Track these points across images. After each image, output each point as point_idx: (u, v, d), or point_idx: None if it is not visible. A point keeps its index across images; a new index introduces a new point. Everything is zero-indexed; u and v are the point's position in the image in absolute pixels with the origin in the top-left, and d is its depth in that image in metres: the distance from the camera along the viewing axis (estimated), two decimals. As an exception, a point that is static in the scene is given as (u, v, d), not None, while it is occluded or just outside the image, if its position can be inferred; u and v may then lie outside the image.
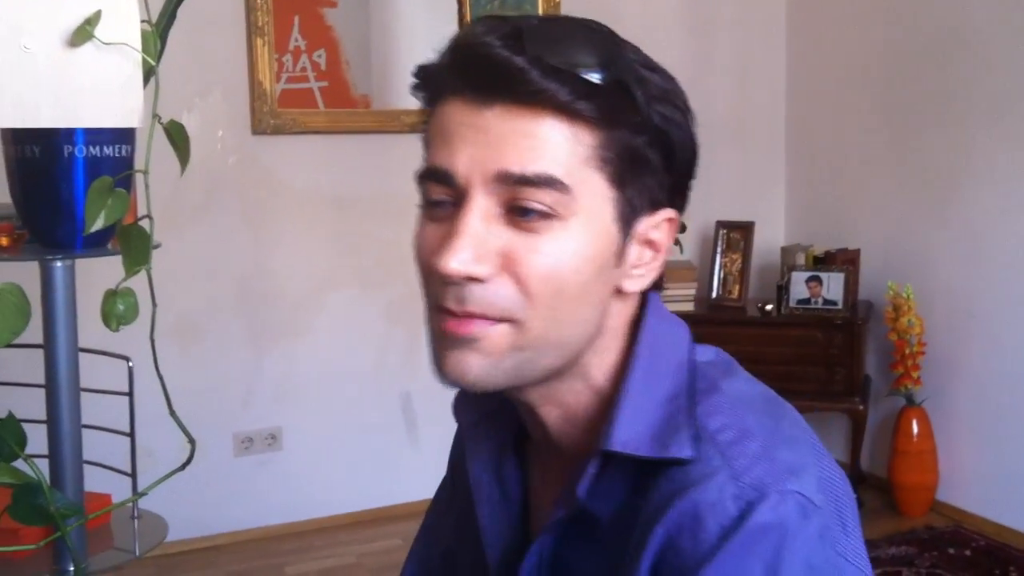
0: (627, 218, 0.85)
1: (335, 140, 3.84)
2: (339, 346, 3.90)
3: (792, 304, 4.00)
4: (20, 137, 1.63)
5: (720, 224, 4.30)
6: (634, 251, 0.88)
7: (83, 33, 1.09)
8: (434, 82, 0.86)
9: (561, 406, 0.91)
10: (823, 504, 0.80)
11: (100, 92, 1.12)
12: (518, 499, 0.98)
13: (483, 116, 0.81)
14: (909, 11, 3.97)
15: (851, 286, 3.96)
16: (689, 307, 4.12)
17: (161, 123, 1.21)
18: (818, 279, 3.99)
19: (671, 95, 0.87)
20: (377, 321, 3.91)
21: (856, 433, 3.96)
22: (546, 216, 0.81)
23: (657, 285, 0.93)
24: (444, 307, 0.83)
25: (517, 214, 0.81)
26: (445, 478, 1.17)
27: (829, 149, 4.43)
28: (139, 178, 1.23)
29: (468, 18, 4.05)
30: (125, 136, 1.65)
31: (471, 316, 0.82)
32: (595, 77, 0.81)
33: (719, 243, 4.28)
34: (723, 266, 4.27)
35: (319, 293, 3.87)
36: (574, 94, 0.80)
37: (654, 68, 0.87)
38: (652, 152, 0.85)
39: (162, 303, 1.28)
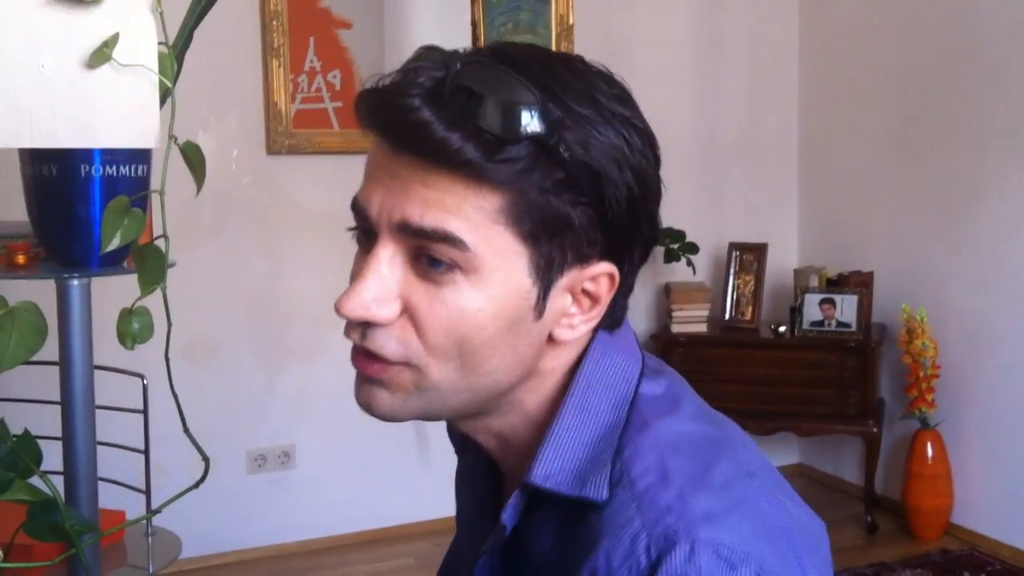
0: (544, 273, 0.81)
1: (349, 160, 3.86)
2: (351, 365, 3.89)
3: (805, 326, 4.00)
4: (37, 157, 1.65)
5: (733, 246, 4.30)
6: (562, 301, 0.84)
7: (101, 55, 1.10)
8: (362, 117, 0.83)
9: (497, 436, 0.90)
10: (761, 551, 0.75)
11: (117, 113, 1.13)
12: (489, 517, 0.97)
13: (395, 162, 0.79)
14: (922, 33, 3.97)
15: (865, 308, 3.95)
16: (702, 328, 4.12)
17: (177, 144, 1.22)
18: (831, 301, 3.98)
19: (611, 148, 0.79)
20: (390, 340, 3.91)
21: (870, 456, 3.95)
22: (452, 268, 0.79)
23: (612, 326, 0.89)
24: (351, 337, 0.85)
25: (425, 262, 0.80)
26: None
27: (842, 171, 4.43)
28: (155, 197, 1.24)
29: (482, 40, 4.08)
30: (141, 156, 1.67)
31: (369, 354, 0.84)
32: (508, 133, 0.75)
33: (732, 265, 4.28)
34: (736, 288, 4.27)
35: (331, 312, 3.85)
36: (479, 152, 0.75)
37: (607, 118, 0.80)
38: (575, 209, 0.79)
39: (176, 322, 1.29)
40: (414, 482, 4.01)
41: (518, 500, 0.84)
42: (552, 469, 0.82)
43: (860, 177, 4.33)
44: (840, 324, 3.95)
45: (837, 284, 4.08)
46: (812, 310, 4.00)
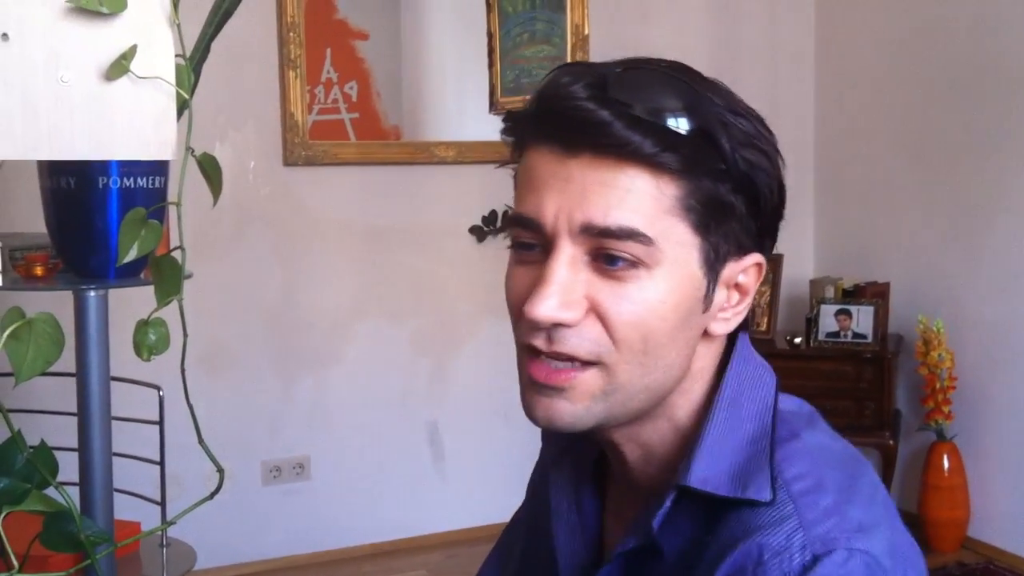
0: (712, 264, 0.86)
1: (366, 171, 3.87)
2: (367, 376, 3.91)
3: (821, 337, 3.98)
4: (56, 169, 1.66)
5: (749, 256, 4.29)
6: (721, 295, 0.88)
7: (119, 67, 1.11)
8: (522, 129, 0.88)
9: (644, 446, 0.92)
10: (891, 569, 0.79)
11: (135, 125, 1.13)
12: (593, 528, 1.00)
13: (568, 166, 0.83)
14: (938, 43, 3.96)
15: (881, 319, 3.94)
16: (717, 339, 4.10)
17: (194, 155, 1.22)
18: (847, 312, 3.97)
19: (757, 140, 0.87)
20: (405, 351, 3.92)
21: (886, 468, 3.92)
22: (632, 264, 0.83)
23: (744, 326, 0.93)
24: (532, 345, 0.86)
25: (604, 261, 0.83)
26: (523, 502, 1.18)
27: (858, 181, 4.41)
28: (172, 209, 1.24)
29: (498, 51, 4.09)
30: (159, 168, 1.68)
31: (559, 356, 0.85)
32: (679, 127, 0.82)
33: (748, 275, 4.26)
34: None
35: (348, 323, 3.89)
36: (658, 146, 0.81)
37: (740, 112, 0.87)
38: (737, 199, 0.85)
39: (193, 333, 1.29)
40: (429, 494, 4.01)
41: (671, 503, 0.86)
42: (709, 473, 0.85)
43: (876, 187, 4.32)
44: (856, 335, 3.94)
45: (853, 295, 4.06)
46: (828, 321, 3.99)
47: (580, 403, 0.86)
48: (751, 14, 4.47)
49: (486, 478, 3.98)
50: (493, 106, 4.15)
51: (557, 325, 0.84)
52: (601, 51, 4.04)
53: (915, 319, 3.89)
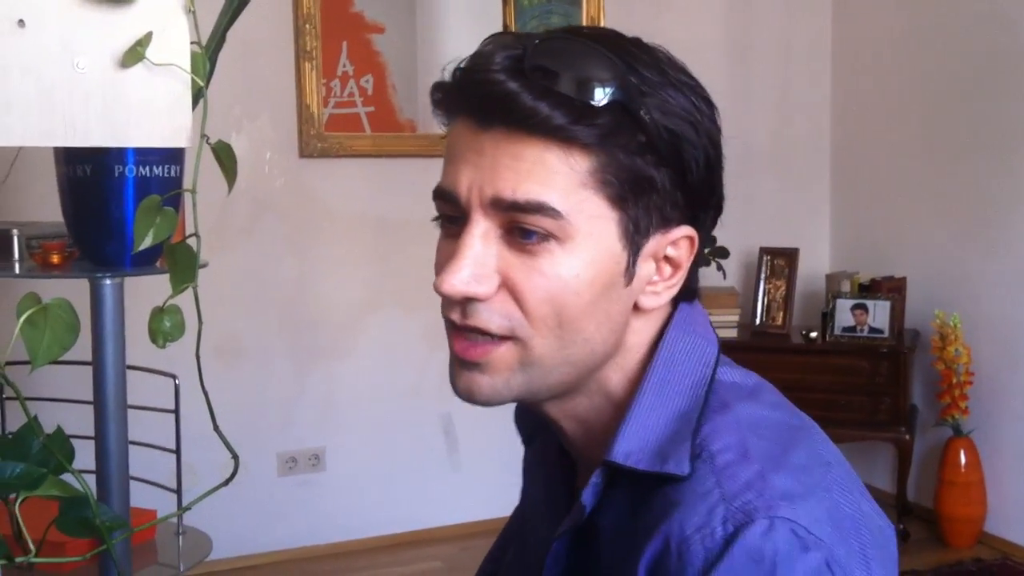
0: (633, 237, 0.84)
1: (381, 164, 3.88)
2: (382, 367, 3.92)
3: (837, 332, 3.97)
4: (72, 157, 1.66)
5: (764, 250, 4.28)
6: (647, 268, 0.86)
7: (134, 54, 1.11)
8: (444, 101, 0.87)
9: (583, 422, 0.91)
10: (831, 539, 0.76)
11: (150, 112, 1.14)
12: (565, 504, 0.98)
13: (481, 140, 0.82)
14: (954, 37, 3.94)
15: (897, 314, 3.92)
16: (732, 333, 4.10)
17: (209, 143, 1.22)
18: (864, 307, 3.95)
19: (684, 111, 0.83)
20: (419, 343, 3.92)
21: (902, 463, 3.91)
22: (545, 238, 0.81)
23: (688, 296, 0.91)
24: (449, 318, 0.86)
25: (518, 235, 0.82)
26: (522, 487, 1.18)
27: (875, 175, 4.40)
28: (187, 198, 1.25)
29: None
30: (174, 156, 1.69)
31: (474, 330, 0.84)
32: (593, 99, 0.79)
33: (763, 270, 4.26)
34: (767, 293, 4.25)
35: (362, 315, 3.89)
36: (568, 118, 0.79)
37: (672, 83, 0.84)
38: (659, 171, 0.83)
39: (208, 323, 1.30)
40: (443, 486, 4.01)
41: (599, 480, 0.85)
42: (632, 447, 0.83)
43: (892, 182, 4.30)
44: (872, 330, 3.92)
45: (869, 289, 4.05)
46: (844, 316, 3.97)
47: (498, 376, 0.85)
48: (768, 7, 4.45)
49: (500, 470, 3.96)
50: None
51: (470, 299, 0.83)
52: (617, 44, 4.03)
53: (931, 314, 3.88)
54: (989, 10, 3.80)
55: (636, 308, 0.88)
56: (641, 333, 0.89)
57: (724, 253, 4.11)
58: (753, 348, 4.03)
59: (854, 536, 0.79)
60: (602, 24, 4.06)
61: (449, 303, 0.85)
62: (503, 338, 0.84)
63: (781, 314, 4.20)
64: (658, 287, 0.88)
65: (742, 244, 4.36)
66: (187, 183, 1.33)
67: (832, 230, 4.62)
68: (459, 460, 4.05)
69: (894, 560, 0.85)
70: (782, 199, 4.53)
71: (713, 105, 0.87)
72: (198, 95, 1.21)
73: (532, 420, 1.03)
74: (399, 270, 3.89)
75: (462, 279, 0.83)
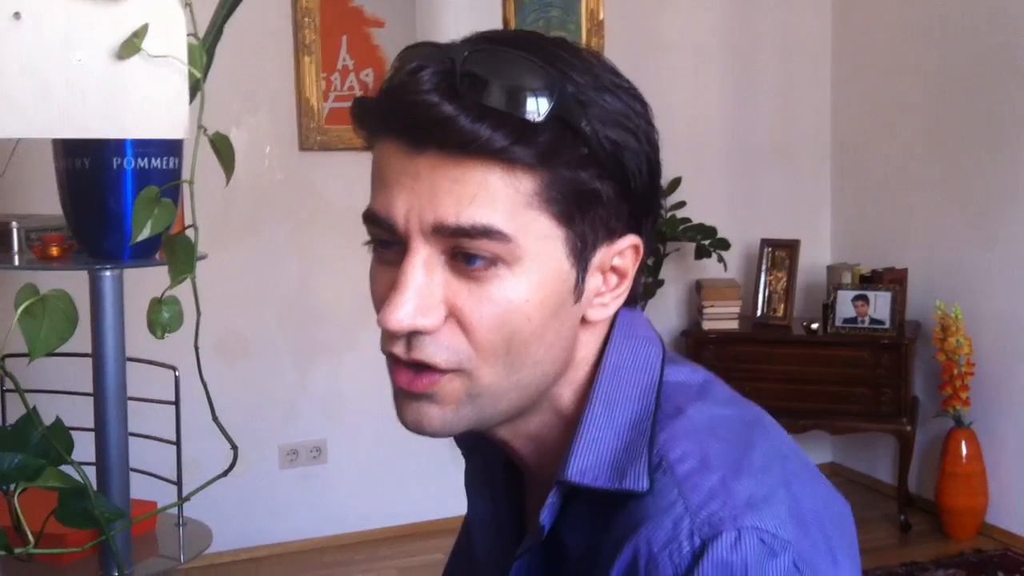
0: (581, 253, 0.80)
1: (381, 157, 3.87)
2: (382, 361, 3.88)
3: (838, 323, 3.97)
4: (70, 150, 1.67)
5: (765, 242, 4.28)
6: (595, 281, 0.83)
7: (131, 46, 1.11)
8: (369, 121, 0.82)
9: (535, 439, 0.88)
10: (796, 537, 0.75)
11: (147, 104, 1.14)
12: (511, 520, 0.96)
13: (416, 163, 0.77)
14: (955, 30, 3.94)
15: (898, 306, 3.92)
16: (733, 325, 4.10)
17: (207, 135, 1.23)
18: (865, 298, 3.95)
19: (624, 117, 0.80)
20: (421, 337, 3.92)
21: (904, 455, 3.92)
22: (491, 262, 0.77)
23: (630, 301, 0.88)
24: (392, 353, 0.82)
25: (462, 260, 0.78)
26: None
27: (876, 166, 4.39)
28: (186, 190, 1.25)
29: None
30: (173, 148, 1.69)
31: (419, 364, 0.80)
32: (532, 114, 0.75)
33: (764, 261, 4.26)
34: (768, 284, 4.25)
35: (364, 308, 3.84)
36: (509, 138, 0.75)
37: (607, 87, 0.80)
38: (603, 184, 0.79)
39: (209, 317, 1.30)
40: (445, 478, 4.01)
41: (556, 499, 0.82)
42: (587, 464, 0.81)
43: (894, 173, 4.30)
44: (874, 321, 3.92)
45: (871, 281, 4.04)
46: (845, 307, 3.97)
47: (447, 407, 0.81)
48: (769, 6, 4.45)
49: (502, 463, 3.98)
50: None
51: (415, 332, 0.79)
52: (617, 37, 4.03)
53: (933, 305, 3.88)
54: (990, 4, 3.79)
55: (583, 321, 0.85)
56: (588, 345, 0.86)
57: (725, 245, 4.11)
58: (754, 340, 4.03)
59: (816, 527, 0.78)
60: (601, 17, 4.06)
61: (390, 337, 0.81)
62: (448, 371, 0.80)
63: (782, 306, 4.20)
64: (605, 298, 0.85)
65: (743, 236, 4.36)
66: (186, 175, 1.33)
67: (833, 222, 4.62)
68: (460, 453, 4.05)
69: (854, 541, 0.83)
70: (783, 191, 4.53)
71: (646, 104, 0.83)
72: (196, 87, 1.21)
73: (472, 436, 0.98)
74: (400, 263, 3.89)
75: (407, 313, 0.78)
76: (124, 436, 1.66)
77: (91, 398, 1.69)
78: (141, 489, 2.10)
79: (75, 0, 1.10)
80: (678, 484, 0.77)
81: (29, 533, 1.18)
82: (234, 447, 1.25)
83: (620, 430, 0.82)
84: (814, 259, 4.42)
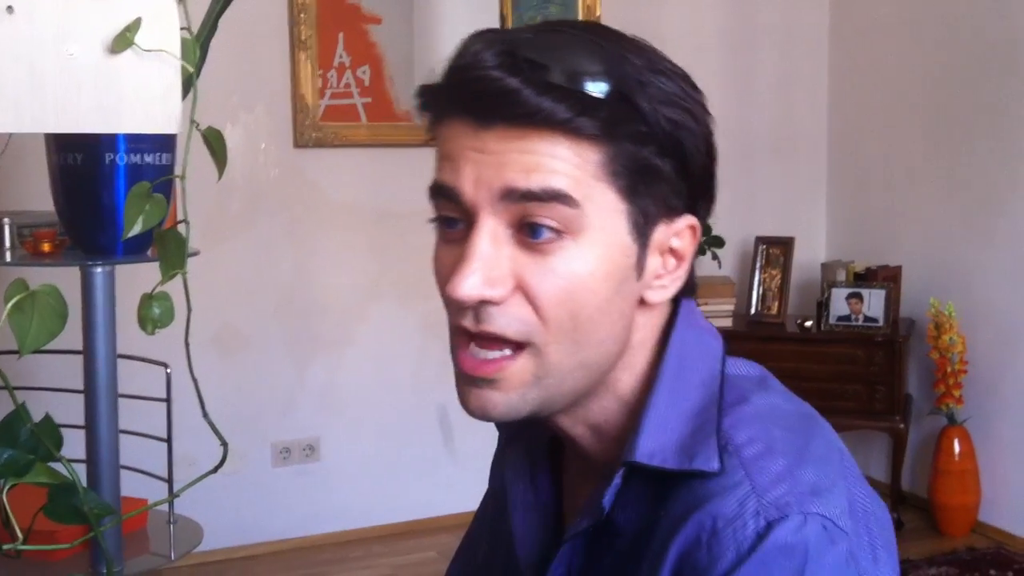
0: (642, 229, 0.82)
1: (377, 153, 3.87)
2: (378, 358, 3.91)
3: (832, 321, 3.97)
4: (63, 145, 1.66)
5: (760, 240, 4.28)
6: (654, 261, 0.85)
7: (123, 40, 1.10)
8: (435, 103, 0.85)
9: (592, 425, 0.89)
10: (851, 530, 0.78)
11: (140, 99, 1.13)
12: (551, 506, 0.97)
13: (482, 138, 0.79)
14: (953, 25, 3.94)
15: (892, 303, 3.92)
16: (727, 323, 4.10)
17: (199, 129, 1.22)
18: (859, 296, 3.95)
19: (679, 98, 0.82)
20: (415, 333, 3.92)
21: (897, 452, 3.92)
22: (557, 234, 0.79)
23: (688, 291, 0.90)
24: (461, 326, 0.82)
25: (527, 234, 0.79)
26: (487, 491, 1.15)
27: (871, 164, 4.40)
28: (179, 186, 1.25)
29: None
30: (166, 144, 1.68)
31: (487, 337, 0.81)
32: (594, 90, 0.78)
33: (758, 259, 4.26)
34: (762, 282, 4.25)
35: (359, 305, 3.89)
36: (572, 111, 0.77)
37: (662, 71, 0.82)
38: (662, 160, 0.81)
39: (204, 313, 1.30)
40: (439, 475, 4.01)
41: (620, 481, 0.83)
42: (655, 446, 0.82)
43: (888, 171, 4.30)
44: (868, 319, 3.93)
45: (865, 278, 4.04)
46: (839, 305, 3.97)
47: (513, 392, 0.82)
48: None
49: (496, 460, 3.98)
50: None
51: (483, 303, 0.80)
52: (613, 33, 4.02)
53: (927, 303, 3.88)
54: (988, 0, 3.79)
55: (641, 303, 0.86)
56: (644, 329, 0.87)
57: (720, 242, 4.11)
58: (749, 337, 4.03)
59: (863, 525, 0.80)
60: (598, 13, 4.05)
61: (459, 310, 0.82)
62: (518, 347, 0.81)
63: (777, 303, 4.20)
64: (664, 280, 0.86)
65: (738, 233, 4.36)
66: (179, 171, 1.33)
67: (828, 219, 4.62)
68: (455, 450, 4.05)
69: (894, 545, 0.85)
70: (778, 188, 4.53)
71: (700, 91, 0.86)
72: (189, 82, 1.21)
73: (520, 421, 0.98)
74: (396, 260, 3.89)
75: (475, 283, 0.79)
76: (115, 433, 1.66)
77: (82, 396, 1.69)
78: (133, 487, 2.09)
79: (68, -6, 1.09)
80: (745, 466, 0.79)
81: (18, 529, 1.17)
82: (224, 443, 1.25)
83: (685, 415, 0.84)
84: (808, 256, 4.43)
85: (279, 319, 3.80)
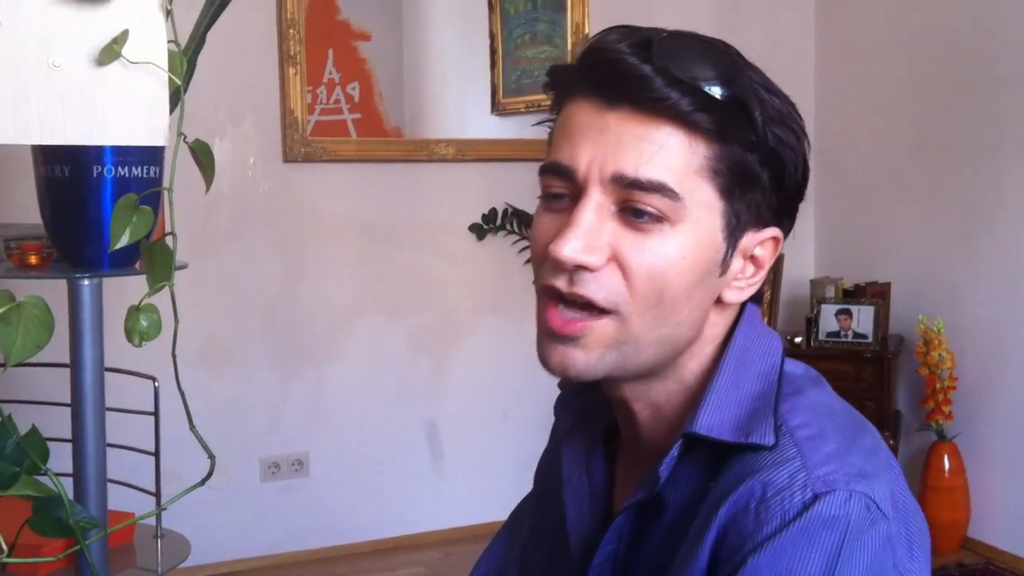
0: (733, 230, 0.89)
1: (365, 168, 3.87)
2: (366, 374, 3.91)
3: (821, 337, 3.98)
4: (50, 157, 1.66)
5: (749, 256, 4.28)
6: (737, 263, 0.91)
7: (110, 52, 1.10)
8: (563, 82, 0.91)
9: (654, 405, 0.95)
10: (894, 518, 0.83)
11: (126, 111, 1.13)
12: (603, 494, 1.02)
13: (605, 118, 0.86)
14: (939, 42, 3.96)
15: (881, 319, 3.93)
16: (717, 339, 4.10)
17: (186, 142, 1.22)
18: (848, 312, 3.96)
19: (787, 119, 0.90)
20: (404, 348, 3.92)
21: (886, 468, 3.91)
22: (657, 219, 0.86)
23: (756, 298, 0.96)
24: (553, 287, 0.88)
25: (630, 214, 0.86)
26: (532, 490, 1.20)
27: (859, 180, 4.41)
28: (167, 199, 1.24)
29: (500, 52, 4.09)
30: (153, 157, 1.68)
31: (578, 299, 0.87)
32: (716, 92, 0.85)
33: (748, 275, 4.26)
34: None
35: (347, 321, 3.88)
36: (694, 105, 0.84)
37: (774, 91, 0.91)
38: (763, 170, 0.88)
39: (192, 327, 1.29)
40: (427, 492, 4.00)
41: (677, 452, 0.88)
42: (713, 421, 0.88)
43: (877, 187, 4.31)
44: (857, 335, 3.93)
45: (854, 295, 4.06)
46: (828, 321, 3.98)
47: (594, 352, 0.88)
48: (753, 15, 4.47)
49: (484, 476, 3.97)
50: (495, 107, 4.15)
51: (580, 268, 0.86)
52: (602, 50, 4.03)
53: (915, 319, 3.88)
54: (973, 15, 3.81)
55: (718, 301, 0.92)
56: (717, 326, 0.94)
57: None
58: (738, 353, 4.03)
59: (903, 523, 0.85)
60: (587, 32, 4.06)
61: (555, 271, 0.88)
62: (603, 312, 0.87)
63: (766, 319, 4.20)
64: (742, 283, 0.93)
65: (727, 250, 4.36)
66: (166, 183, 1.33)
67: (816, 236, 4.63)
68: (443, 466, 4.04)
69: (929, 552, 0.89)
70: (767, 205, 4.54)
71: (802, 119, 0.93)
72: (176, 94, 1.21)
73: (579, 409, 1.07)
74: (385, 275, 3.89)
75: (576, 248, 0.85)
76: (102, 447, 1.65)
77: (69, 408, 1.68)
78: (121, 501, 2.08)
79: (54, 5, 1.09)
80: (797, 444, 0.84)
81: (3, 542, 1.16)
82: (211, 456, 1.24)
83: (744, 398, 0.90)
84: (797, 273, 4.43)
85: (268, 333, 3.79)
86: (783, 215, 0.93)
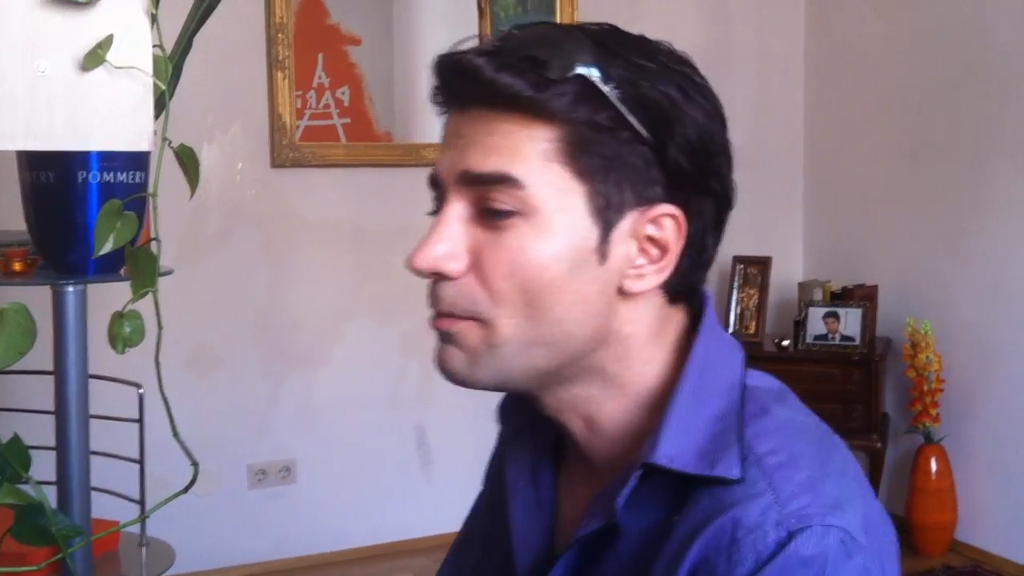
0: (603, 212, 0.83)
1: (354, 173, 3.86)
2: (355, 378, 3.90)
3: (809, 340, 3.98)
4: (35, 163, 1.65)
5: (737, 259, 4.29)
6: (626, 248, 0.85)
7: (95, 57, 1.10)
8: (435, 101, 0.89)
9: (583, 416, 0.89)
10: (866, 544, 0.79)
11: (111, 116, 1.12)
12: (550, 507, 0.97)
13: (459, 123, 0.85)
14: (928, 45, 3.97)
15: (869, 322, 3.94)
16: (706, 342, 4.10)
17: (171, 147, 1.21)
18: (836, 315, 3.97)
19: (666, 96, 0.84)
20: (393, 353, 3.91)
21: (874, 471, 3.92)
22: (512, 214, 0.82)
23: (693, 289, 0.91)
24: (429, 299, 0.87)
25: (488, 215, 0.83)
26: (481, 492, 1.16)
27: (848, 184, 4.42)
28: (152, 205, 1.24)
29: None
30: (139, 163, 1.67)
31: (441, 314, 0.86)
32: (552, 72, 0.81)
33: (736, 278, 4.27)
34: (740, 301, 4.26)
35: (335, 325, 3.87)
36: (531, 89, 0.80)
37: (656, 63, 0.86)
38: (630, 148, 0.82)
39: (179, 333, 1.29)
40: (415, 498, 3.99)
41: (635, 482, 0.83)
42: (675, 450, 0.82)
43: (865, 190, 4.32)
44: (844, 338, 3.94)
45: (841, 298, 4.06)
46: (816, 324, 3.98)
47: (467, 352, 0.85)
48: (741, 17, 4.47)
49: (473, 482, 3.92)
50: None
51: (439, 277, 0.85)
52: (589, 54, 4.03)
53: (903, 322, 3.89)
54: (963, 18, 3.82)
55: (622, 293, 0.86)
56: (634, 323, 0.87)
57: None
58: (726, 357, 4.03)
59: (877, 542, 0.81)
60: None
61: (429, 291, 0.86)
62: (467, 318, 0.84)
63: (754, 323, 4.21)
64: (644, 270, 0.85)
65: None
66: (151, 188, 1.32)
67: (805, 238, 4.63)
68: (432, 472, 4.03)
69: (898, 559, 0.86)
70: (755, 207, 4.54)
71: (711, 95, 0.89)
72: (162, 99, 1.20)
73: (526, 415, 0.99)
74: (373, 279, 3.88)
75: (428, 255, 0.84)
76: (86, 455, 1.64)
77: (53, 416, 1.67)
78: (105, 509, 2.07)
79: (39, 10, 1.09)
80: (767, 475, 0.80)
81: (-14, 552, 1.15)
82: (194, 463, 1.24)
83: (706, 421, 0.84)
84: (785, 276, 4.44)
85: (255, 339, 3.78)
86: (679, 190, 0.85)
